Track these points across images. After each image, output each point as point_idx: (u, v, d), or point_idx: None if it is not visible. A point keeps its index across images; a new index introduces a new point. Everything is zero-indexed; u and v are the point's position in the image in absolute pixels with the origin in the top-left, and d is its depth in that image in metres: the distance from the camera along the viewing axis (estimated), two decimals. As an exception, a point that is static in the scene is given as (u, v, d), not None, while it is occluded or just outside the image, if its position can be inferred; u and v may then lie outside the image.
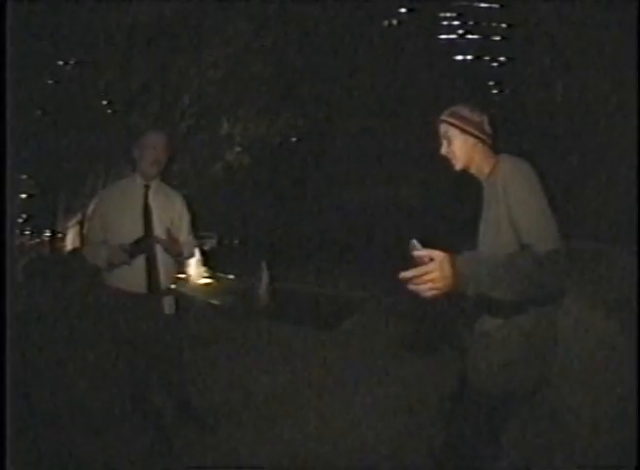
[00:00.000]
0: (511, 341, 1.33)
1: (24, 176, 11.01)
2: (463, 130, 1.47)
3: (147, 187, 2.26)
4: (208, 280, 6.56)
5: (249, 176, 6.72)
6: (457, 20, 10.87)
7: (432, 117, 1.57)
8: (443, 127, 1.52)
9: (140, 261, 2.16)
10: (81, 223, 8.76)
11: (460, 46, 10.56)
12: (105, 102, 7.77)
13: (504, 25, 11.16)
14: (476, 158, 1.47)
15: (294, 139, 7.26)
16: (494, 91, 11.06)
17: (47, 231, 9.22)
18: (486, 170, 1.45)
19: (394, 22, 9.30)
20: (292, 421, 2.62)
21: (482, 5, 11.97)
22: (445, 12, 10.83)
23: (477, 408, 1.45)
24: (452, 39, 10.33)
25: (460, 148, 1.48)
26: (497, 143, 1.51)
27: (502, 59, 10.79)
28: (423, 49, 9.79)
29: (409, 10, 9.86)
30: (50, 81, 8.79)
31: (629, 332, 1.78)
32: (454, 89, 10.10)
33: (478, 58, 10.71)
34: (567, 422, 2.28)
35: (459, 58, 10.56)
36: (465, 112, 1.49)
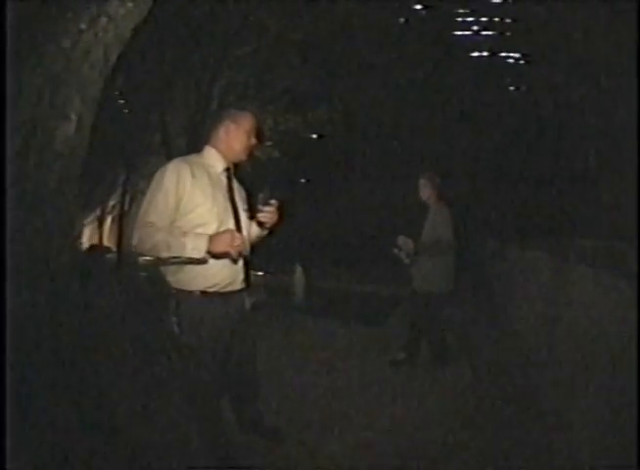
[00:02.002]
0: (432, 265, 3.30)
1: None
2: (432, 187, 3.36)
3: (229, 170, 1.96)
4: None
5: (278, 171, 6.62)
6: (472, 16, 10.77)
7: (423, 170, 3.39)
8: (422, 182, 3.39)
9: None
10: (100, 220, 8.80)
11: (475, 43, 10.45)
12: (122, 101, 7.74)
13: (519, 22, 11.05)
14: (432, 198, 3.37)
15: (321, 135, 7.18)
16: (511, 88, 10.98)
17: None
18: (434, 204, 3.37)
19: (409, 18, 9.20)
20: (346, 422, 2.54)
21: (497, 1, 11.85)
22: (460, 8, 10.73)
23: (422, 304, 3.39)
24: (468, 36, 10.24)
25: (429, 195, 3.38)
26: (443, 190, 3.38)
27: (518, 55, 10.70)
28: (439, 46, 9.70)
29: (425, 7, 9.76)
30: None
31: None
32: (471, 86, 10.01)
33: (493, 54, 10.62)
34: (567, 422, 2.27)
35: (475, 54, 10.46)
36: (434, 178, 3.38)
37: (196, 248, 1.66)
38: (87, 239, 9.12)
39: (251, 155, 2.02)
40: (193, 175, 1.79)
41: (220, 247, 1.71)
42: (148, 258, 1.93)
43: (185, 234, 1.70)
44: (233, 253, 1.73)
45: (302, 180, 9.15)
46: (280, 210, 1.99)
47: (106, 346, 3.36)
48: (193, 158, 1.91)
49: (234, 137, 1.91)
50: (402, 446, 2.31)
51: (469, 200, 9.20)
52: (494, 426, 2.52)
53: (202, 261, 1.71)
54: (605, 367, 1.99)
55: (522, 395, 2.88)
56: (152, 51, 5.82)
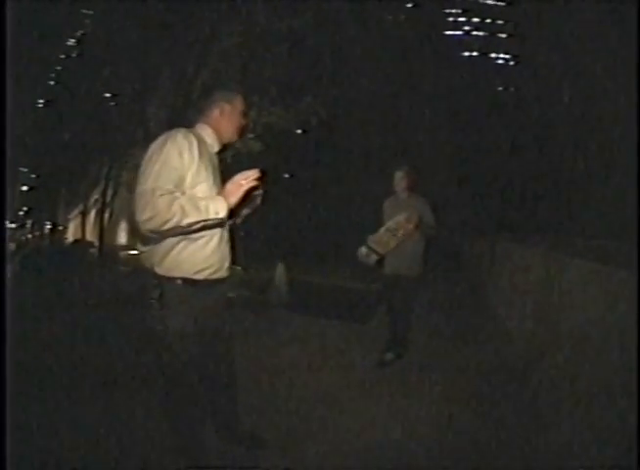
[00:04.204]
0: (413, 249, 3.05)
1: (25, 169, 10.93)
2: (408, 180, 3.10)
3: (220, 153, 1.95)
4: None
5: (259, 165, 6.54)
6: (463, 16, 10.88)
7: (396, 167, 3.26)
8: (399, 175, 3.12)
9: (220, 239, 1.81)
10: (83, 214, 8.71)
11: (466, 43, 10.50)
12: (108, 94, 7.68)
13: (510, 23, 11.17)
14: (407, 191, 3.10)
15: (305, 130, 7.13)
16: (500, 88, 11.03)
17: (48, 223, 9.12)
18: (408, 197, 3.12)
19: (401, 17, 9.22)
20: (328, 424, 2.44)
21: (489, 2, 11.97)
22: (451, 8, 10.82)
23: (396, 285, 3.12)
24: (458, 36, 10.29)
25: (405, 187, 3.10)
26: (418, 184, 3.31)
27: (508, 56, 10.82)
28: (429, 45, 9.73)
29: (415, 5, 9.80)
30: (52, 74, 8.72)
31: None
32: (460, 85, 10.04)
33: (483, 54, 10.67)
34: (567, 422, 2.23)
35: (465, 54, 10.50)
36: (410, 172, 3.16)
37: (217, 209, 1.57)
38: (71, 234, 9.04)
39: (241, 135, 1.97)
40: (199, 149, 1.72)
41: (235, 196, 1.59)
42: (156, 233, 1.65)
43: (203, 198, 1.58)
44: (252, 183, 1.62)
45: (286, 175, 9.10)
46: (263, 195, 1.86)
47: (92, 342, 3.26)
48: (194, 132, 1.82)
49: (229, 118, 1.80)
50: (390, 452, 2.23)
51: (456, 196, 9.22)
52: (490, 427, 2.45)
53: (220, 224, 1.65)
54: (603, 366, 1.94)
55: (518, 394, 2.81)
56: (137, 43, 5.76)
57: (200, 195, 1.59)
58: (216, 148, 1.79)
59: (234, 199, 1.57)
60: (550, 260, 3.17)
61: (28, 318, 3.94)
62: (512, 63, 11.06)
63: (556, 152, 10.04)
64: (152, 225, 1.57)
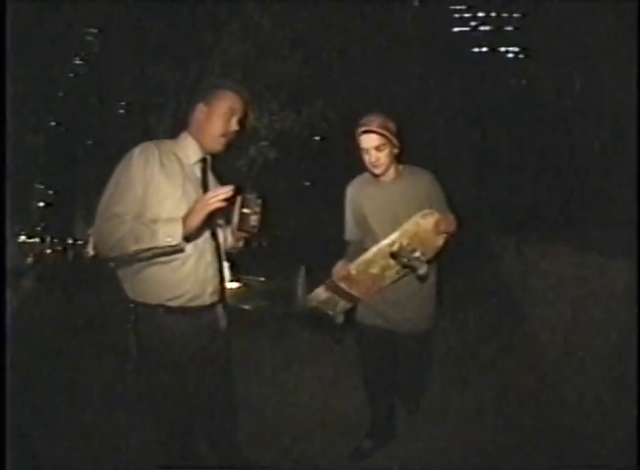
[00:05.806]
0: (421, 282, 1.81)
1: (41, 186, 11.09)
2: (389, 140, 1.72)
3: (204, 161, 1.64)
4: (236, 284, 5.93)
5: (274, 172, 6.35)
6: (468, 12, 10.79)
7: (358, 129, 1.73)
8: (372, 138, 1.73)
9: (197, 260, 1.55)
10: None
11: (475, 38, 10.43)
12: (122, 110, 7.76)
13: (517, 16, 11.06)
14: (394, 165, 1.78)
15: (320, 135, 7.07)
16: (511, 82, 10.90)
17: (67, 238, 9.23)
18: (392, 175, 1.80)
19: (408, 15, 9.17)
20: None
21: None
22: (456, 4, 10.73)
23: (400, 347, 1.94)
24: (466, 31, 10.21)
25: (386, 156, 1.73)
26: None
27: (517, 50, 10.67)
28: (438, 41, 9.67)
29: (422, 2, 9.74)
30: (63, 92, 8.81)
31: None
32: (470, 81, 9.97)
33: (493, 49, 10.57)
34: (567, 422, 2.18)
35: (475, 50, 10.43)
36: (389, 124, 1.73)
37: (170, 233, 1.43)
38: (92, 247, 9.12)
39: (229, 144, 1.69)
40: (161, 163, 1.51)
41: (197, 216, 1.42)
42: (108, 259, 1.40)
43: (155, 221, 1.46)
44: (218, 203, 1.40)
45: (307, 183, 8.99)
46: (262, 213, 1.61)
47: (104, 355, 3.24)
48: (165, 143, 1.62)
49: (208, 122, 1.55)
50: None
51: (473, 194, 9.11)
52: (493, 430, 2.38)
53: (178, 250, 1.46)
54: (606, 365, 1.92)
55: (525, 397, 2.72)
56: (143, 56, 5.78)
57: (163, 215, 1.47)
58: (194, 158, 1.57)
59: (196, 219, 1.40)
60: (574, 258, 3.05)
61: (46, 331, 3.96)
62: (521, 56, 10.94)
63: (572, 145, 9.91)
64: (100, 251, 1.45)
